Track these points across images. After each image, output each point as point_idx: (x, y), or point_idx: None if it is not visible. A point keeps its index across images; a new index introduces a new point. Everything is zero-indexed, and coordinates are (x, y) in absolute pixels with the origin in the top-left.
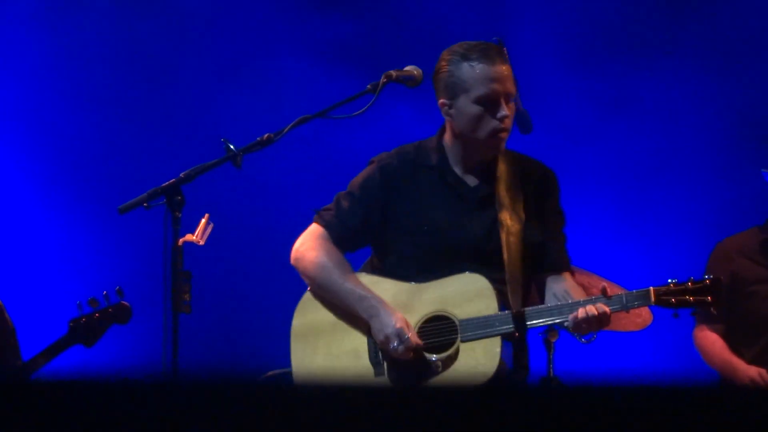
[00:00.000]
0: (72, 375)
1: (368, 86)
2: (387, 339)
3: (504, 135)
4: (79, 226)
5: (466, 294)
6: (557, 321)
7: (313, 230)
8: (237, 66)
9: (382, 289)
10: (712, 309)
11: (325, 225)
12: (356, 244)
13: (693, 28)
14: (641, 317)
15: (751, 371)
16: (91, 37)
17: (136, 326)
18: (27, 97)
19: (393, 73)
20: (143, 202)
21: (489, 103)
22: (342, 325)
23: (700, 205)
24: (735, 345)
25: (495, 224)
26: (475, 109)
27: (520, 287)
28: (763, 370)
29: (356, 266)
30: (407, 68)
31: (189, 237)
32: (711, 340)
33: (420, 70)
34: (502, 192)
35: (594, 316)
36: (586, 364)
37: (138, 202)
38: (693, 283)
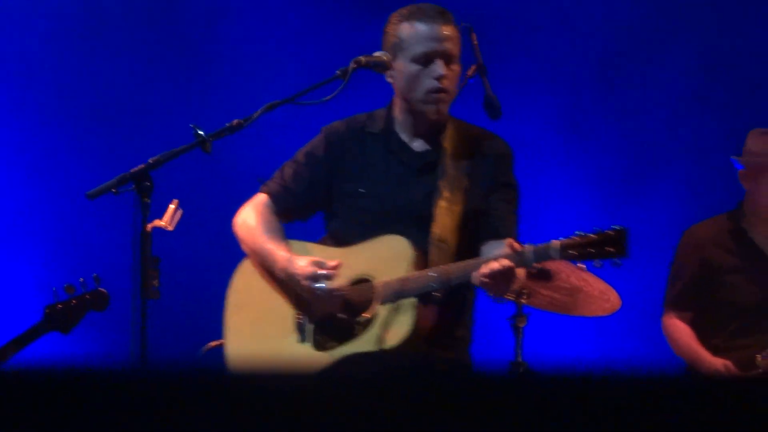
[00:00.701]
0: (42, 362)
1: (337, 72)
2: (309, 289)
3: (442, 96)
4: (47, 212)
5: (387, 256)
6: (467, 278)
7: (257, 198)
8: (206, 50)
9: (310, 254)
10: (616, 261)
11: (269, 192)
12: (302, 212)
13: (671, 23)
14: (609, 302)
15: (716, 363)
16: (57, 21)
17: (106, 312)
18: None
19: (362, 58)
20: (112, 187)
21: (425, 62)
22: (271, 292)
23: (671, 191)
24: (704, 331)
25: (434, 190)
26: (412, 68)
27: (452, 254)
28: (728, 362)
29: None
30: (376, 54)
31: (158, 222)
32: (679, 329)
33: (389, 56)
34: (447, 159)
35: (498, 271)
36: (555, 349)
37: (107, 188)
38: (598, 234)
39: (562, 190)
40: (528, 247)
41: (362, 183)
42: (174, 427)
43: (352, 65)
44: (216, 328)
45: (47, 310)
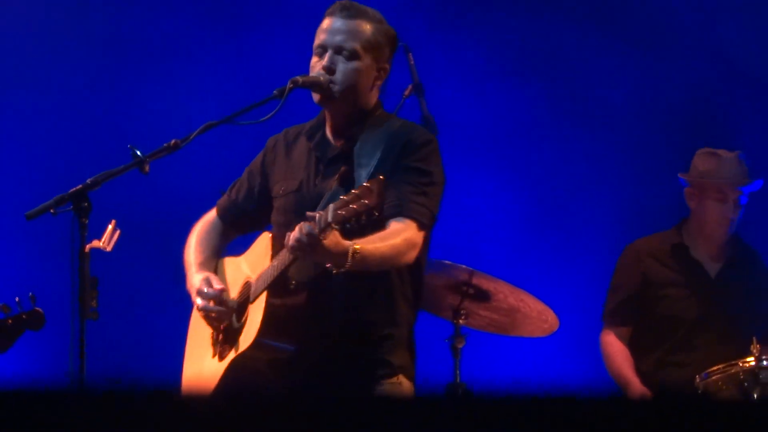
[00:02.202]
0: None
1: (274, 92)
2: (196, 304)
3: (330, 86)
4: None
5: (258, 253)
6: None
7: (207, 214)
8: (144, 70)
9: (227, 269)
10: (375, 213)
11: (217, 207)
12: (251, 223)
13: (613, 40)
14: (548, 323)
15: (638, 393)
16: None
17: (44, 333)
18: None
19: (299, 78)
20: (50, 208)
21: (319, 54)
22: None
23: (615, 207)
24: (643, 346)
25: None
26: (312, 61)
27: None
28: (648, 393)
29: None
30: (314, 74)
31: (96, 243)
32: (614, 349)
33: (327, 77)
34: (357, 149)
35: (299, 241)
36: (494, 370)
37: (45, 209)
38: (359, 188)
39: (500, 206)
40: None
41: (280, 184)
42: None
43: (289, 85)
44: (154, 348)
45: None
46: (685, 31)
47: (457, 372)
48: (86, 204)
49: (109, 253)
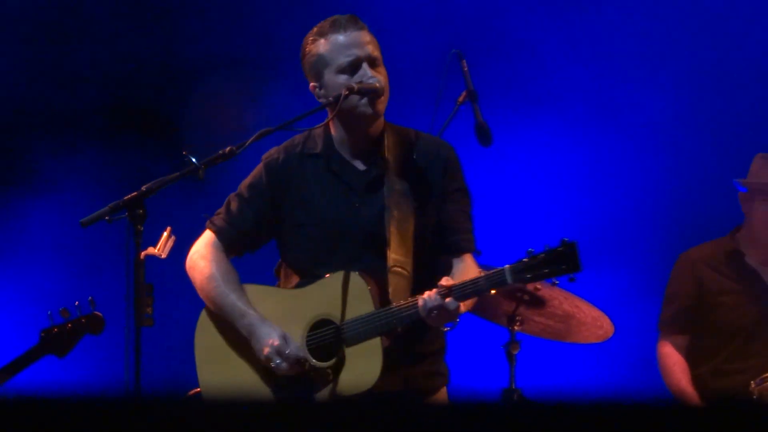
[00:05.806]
0: (38, 388)
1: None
2: (268, 359)
3: (377, 98)
4: (40, 239)
5: (345, 295)
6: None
7: (206, 237)
8: (197, 78)
9: (266, 299)
10: (571, 276)
11: (216, 231)
12: (250, 246)
13: (668, 46)
14: (603, 329)
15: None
16: (54, 40)
17: (99, 339)
18: None
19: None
20: (105, 215)
21: (352, 70)
22: (243, 342)
23: (671, 214)
24: (700, 355)
25: (383, 210)
26: (341, 78)
27: (410, 277)
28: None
29: (267, 268)
30: (369, 81)
31: (151, 250)
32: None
33: (382, 83)
34: (392, 174)
35: (438, 305)
36: (549, 376)
37: (100, 216)
38: (548, 253)
39: (554, 213)
40: (481, 275)
41: (308, 211)
42: None
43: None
44: None
45: (43, 334)
46: (741, 34)
47: (512, 378)
48: (141, 211)
49: (164, 260)
